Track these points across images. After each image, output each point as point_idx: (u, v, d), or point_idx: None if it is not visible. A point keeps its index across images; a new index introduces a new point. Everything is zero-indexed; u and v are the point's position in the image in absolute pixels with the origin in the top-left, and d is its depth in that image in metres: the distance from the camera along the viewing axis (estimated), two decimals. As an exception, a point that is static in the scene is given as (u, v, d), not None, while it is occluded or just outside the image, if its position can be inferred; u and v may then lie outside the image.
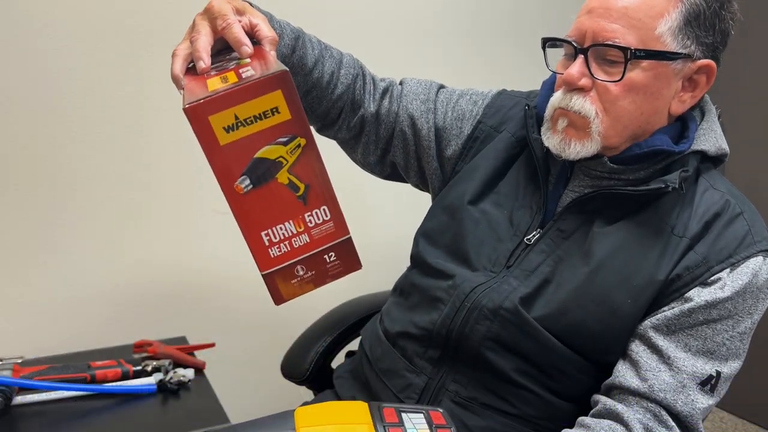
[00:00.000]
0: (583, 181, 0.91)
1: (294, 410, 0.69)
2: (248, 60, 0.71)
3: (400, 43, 1.68)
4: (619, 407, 0.81)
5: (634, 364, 0.83)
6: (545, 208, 0.92)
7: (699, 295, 0.81)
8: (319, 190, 0.69)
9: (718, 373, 0.81)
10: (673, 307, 0.83)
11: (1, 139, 1.26)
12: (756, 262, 0.82)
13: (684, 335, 0.82)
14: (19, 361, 1.13)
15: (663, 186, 0.82)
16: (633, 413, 0.80)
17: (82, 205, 1.36)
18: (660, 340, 0.82)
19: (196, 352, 1.29)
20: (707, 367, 0.81)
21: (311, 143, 0.68)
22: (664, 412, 0.80)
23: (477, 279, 0.90)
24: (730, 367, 0.82)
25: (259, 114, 0.65)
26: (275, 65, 0.67)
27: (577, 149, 0.85)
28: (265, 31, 0.75)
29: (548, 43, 0.89)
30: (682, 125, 0.90)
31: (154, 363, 1.18)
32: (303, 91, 0.95)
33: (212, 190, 1.67)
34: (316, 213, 0.70)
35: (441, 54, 1.75)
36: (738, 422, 2.17)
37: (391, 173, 1.10)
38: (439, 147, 1.03)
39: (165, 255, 1.48)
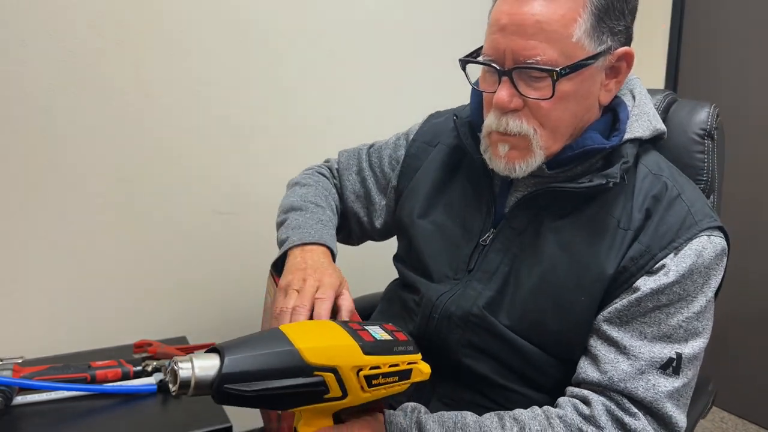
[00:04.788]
0: (526, 180, 0.92)
1: (278, 328, 0.70)
2: None
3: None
4: (586, 392, 0.83)
5: (594, 359, 0.84)
6: (495, 209, 0.93)
7: (645, 284, 0.82)
8: None
9: (679, 355, 0.81)
10: (622, 299, 0.83)
11: (0, 138, 1.27)
12: (699, 242, 0.82)
13: (637, 324, 0.82)
14: (19, 361, 1.12)
15: (604, 182, 0.82)
16: (597, 397, 0.82)
17: (83, 205, 1.36)
18: (614, 332, 0.83)
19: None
20: (666, 351, 0.81)
21: None
22: (626, 401, 0.80)
23: (441, 288, 0.93)
24: (691, 347, 0.82)
25: None
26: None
27: (523, 168, 0.86)
28: (347, 303, 0.83)
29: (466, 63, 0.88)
30: (614, 115, 0.90)
31: (154, 363, 1.18)
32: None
33: (213, 190, 1.68)
34: None
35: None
36: (738, 422, 2.17)
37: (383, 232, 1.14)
38: (391, 191, 1.08)
39: (165, 255, 1.48)
